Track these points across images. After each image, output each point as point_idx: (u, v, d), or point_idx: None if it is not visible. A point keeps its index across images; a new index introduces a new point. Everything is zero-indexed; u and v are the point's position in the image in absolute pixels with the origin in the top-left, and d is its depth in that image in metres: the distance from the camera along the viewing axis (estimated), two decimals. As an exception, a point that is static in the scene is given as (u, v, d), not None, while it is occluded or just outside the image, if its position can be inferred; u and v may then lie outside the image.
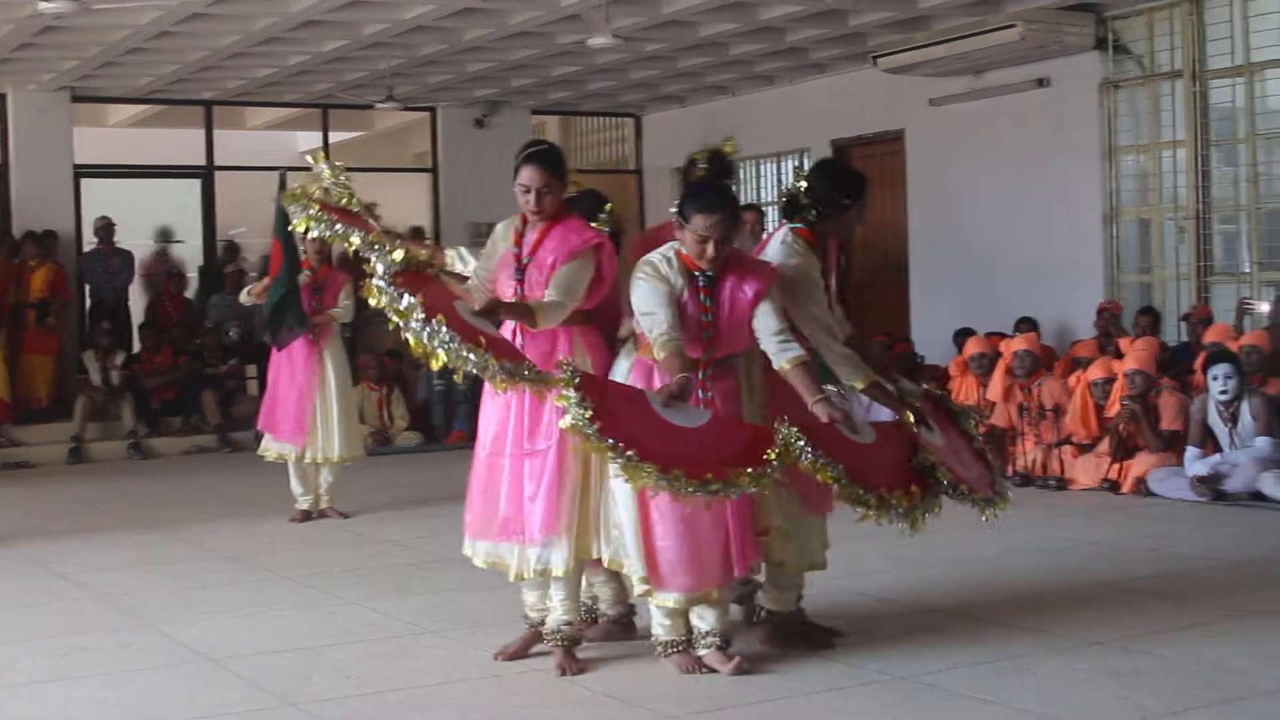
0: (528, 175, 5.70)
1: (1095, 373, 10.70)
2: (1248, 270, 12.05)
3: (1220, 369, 9.78)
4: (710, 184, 5.84)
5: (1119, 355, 11.04)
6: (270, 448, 9.96)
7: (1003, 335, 12.01)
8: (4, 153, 15.62)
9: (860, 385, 5.77)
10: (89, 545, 9.18)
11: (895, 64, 13.49)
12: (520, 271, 5.70)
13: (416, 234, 15.26)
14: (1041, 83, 13.25)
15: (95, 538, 9.51)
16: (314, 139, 17.28)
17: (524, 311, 5.51)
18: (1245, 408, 9.77)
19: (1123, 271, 12.87)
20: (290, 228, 8.73)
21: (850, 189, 5.86)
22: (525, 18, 12.50)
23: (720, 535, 5.46)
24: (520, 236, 5.76)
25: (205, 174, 16.62)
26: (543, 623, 5.80)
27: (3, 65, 14.08)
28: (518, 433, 5.59)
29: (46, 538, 9.52)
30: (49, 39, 12.88)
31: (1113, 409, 10.49)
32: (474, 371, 5.14)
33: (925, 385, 6.35)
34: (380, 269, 5.25)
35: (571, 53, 13.91)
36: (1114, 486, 10.17)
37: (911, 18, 12.89)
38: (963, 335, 12.26)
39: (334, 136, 17.30)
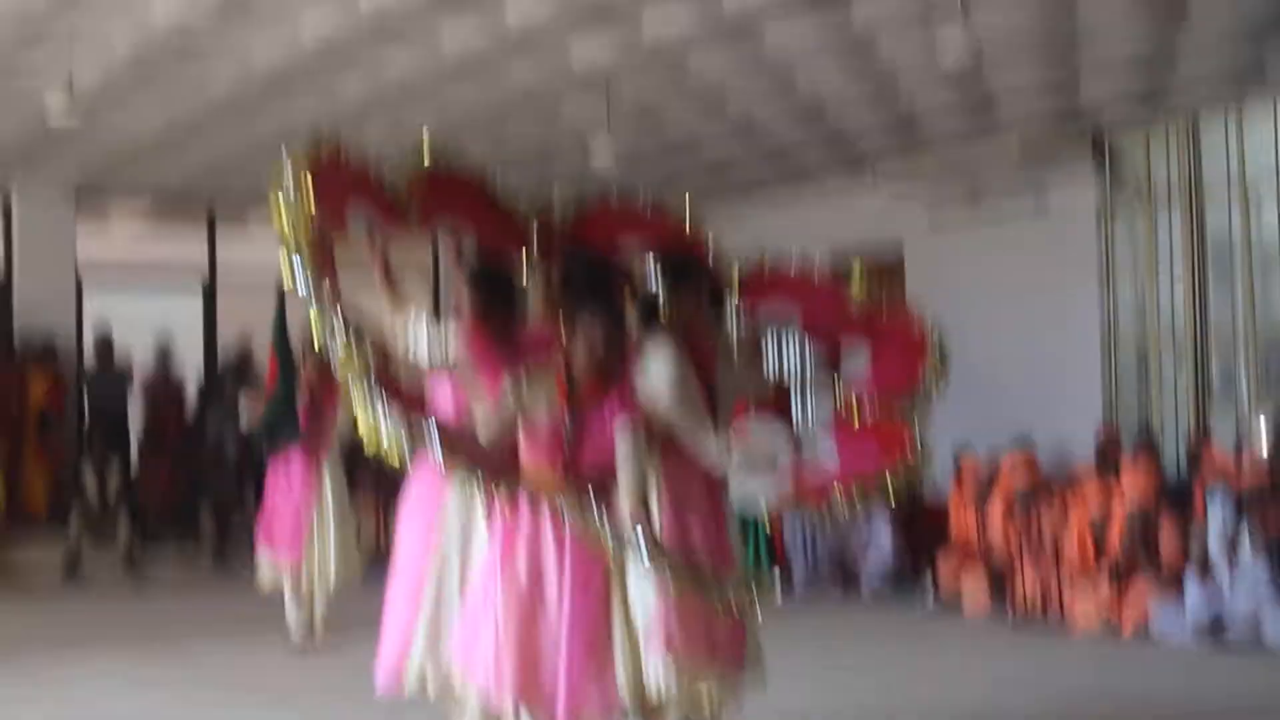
0: None
1: (1093, 503, 10.66)
2: (1246, 399, 12.06)
3: (1220, 500, 9.74)
4: None
5: (1118, 483, 11.00)
6: (266, 572, 9.90)
7: (1001, 458, 11.98)
8: (7, 259, 15.67)
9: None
10: (80, 662, 9.10)
11: (896, 185, 13.61)
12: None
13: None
14: (1039, 206, 13.34)
15: (87, 655, 9.42)
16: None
17: None
18: (1245, 541, 9.73)
19: (1121, 398, 12.88)
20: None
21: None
22: (525, 133, 12.62)
23: None
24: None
25: (208, 290, 16.67)
26: None
27: (8, 167, 14.17)
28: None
29: (37, 654, 9.43)
30: (54, 143, 12.97)
31: (1112, 538, 10.44)
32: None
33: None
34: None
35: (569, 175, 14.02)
36: (1113, 619, 10.09)
37: (912, 142, 13.02)
38: (961, 457, 12.23)
39: (336, 248, 17.39)
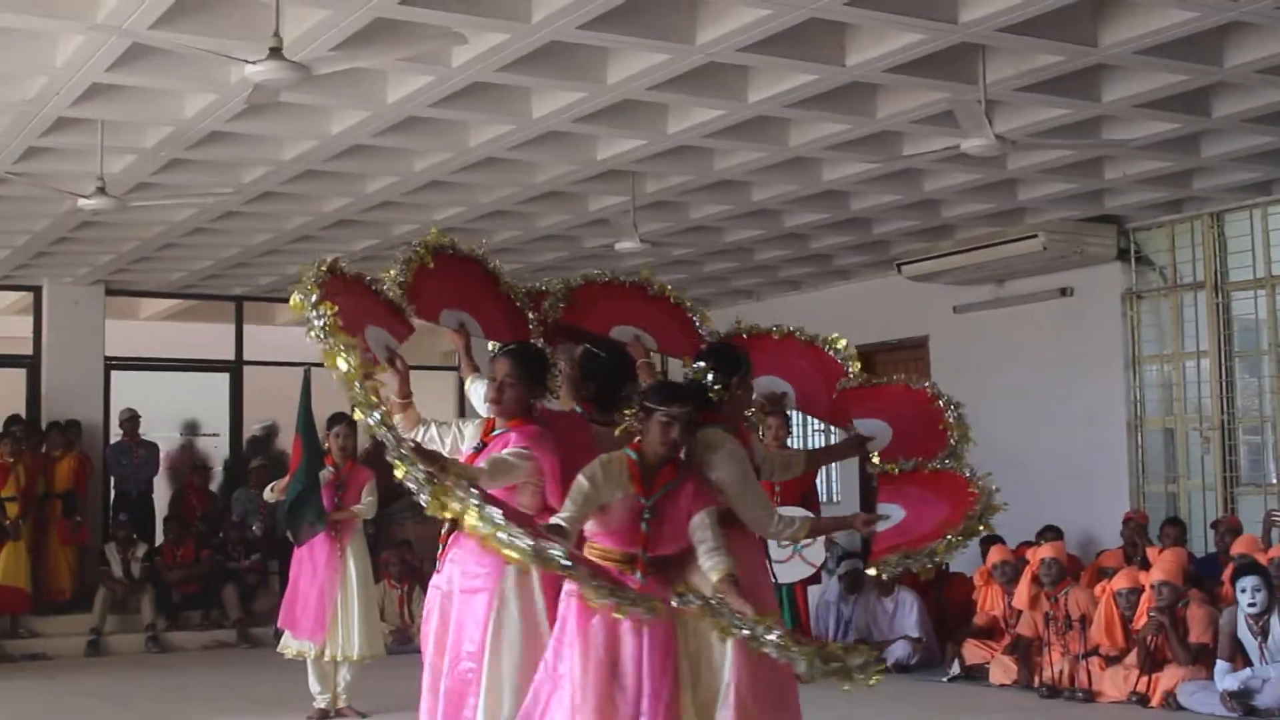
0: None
1: (1121, 583, 10.60)
2: (1274, 482, 12.01)
3: (1249, 581, 9.69)
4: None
5: (1146, 565, 10.95)
6: (290, 645, 9.89)
7: (1029, 544, 11.95)
8: (36, 344, 15.83)
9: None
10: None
11: (919, 272, 13.65)
12: None
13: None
14: (1064, 292, 13.36)
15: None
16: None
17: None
18: (1275, 621, 9.65)
19: (1148, 481, 12.83)
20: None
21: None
22: (553, 221, 12.71)
23: None
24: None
25: (234, 368, 16.80)
26: None
27: (39, 259, 14.33)
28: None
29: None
30: (86, 234, 13.11)
31: (1140, 620, 10.37)
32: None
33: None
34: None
35: (599, 256, 14.09)
36: (1143, 700, 10.01)
37: (934, 227, 13.07)
38: (988, 543, 12.18)
39: (362, 334, 17.45)
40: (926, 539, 5.75)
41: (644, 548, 5.38)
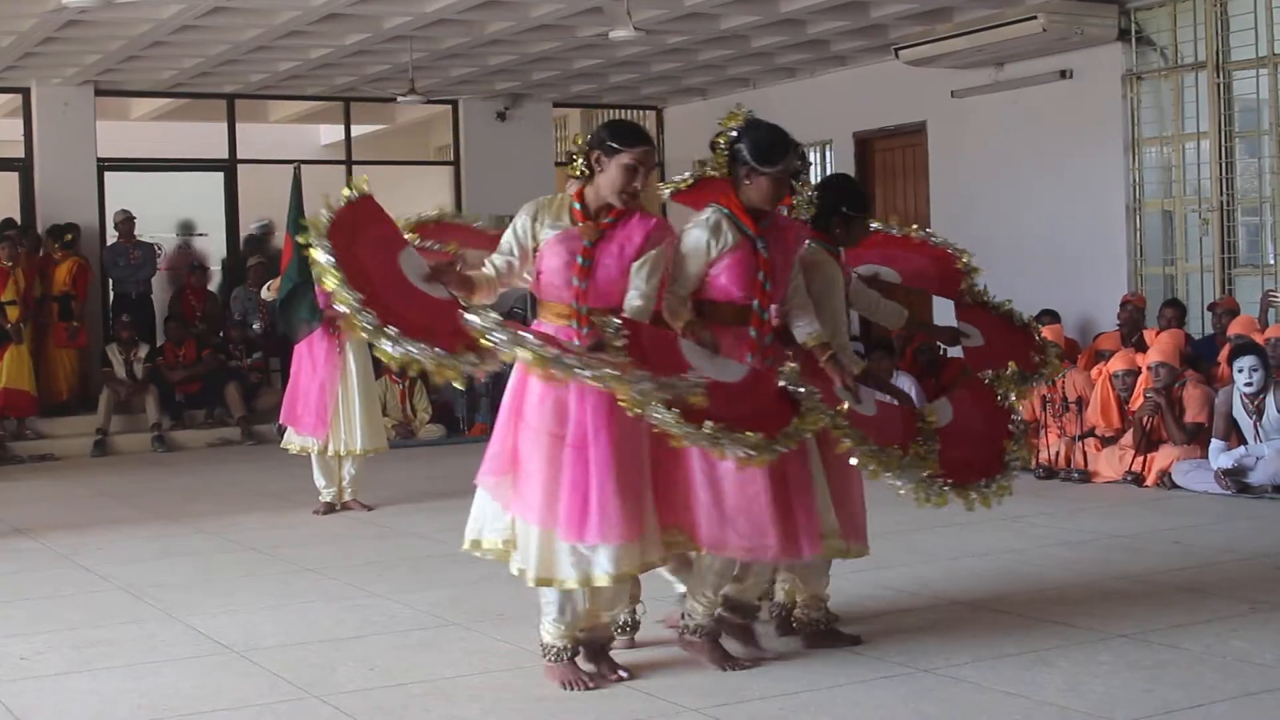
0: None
1: (1118, 365, 10.67)
2: (1272, 262, 12.00)
3: (1245, 361, 9.75)
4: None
5: (1143, 348, 11.00)
6: (293, 441, 9.99)
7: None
8: (28, 147, 15.71)
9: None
10: (113, 537, 9.22)
11: (917, 56, 13.47)
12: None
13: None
14: (1064, 74, 13.21)
15: (120, 530, 9.55)
16: (336, 132, 17.26)
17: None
18: (1270, 400, 9.74)
19: (1146, 263, 12.83)
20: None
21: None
22: (546, 10, 12.50)
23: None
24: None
25: (228, 167, 16.68)
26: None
27: (26, 60, 14.14)
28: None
29: (71, 530, 9.57)
30: (72, 33, 12.92)
31: (1136, 401, 10.46)
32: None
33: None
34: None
35: (593, 45, 13.91)
36: (1138, 479, 10.14)
37: (933, 10, 12.86)
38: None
39: (356, 130, 17.24)
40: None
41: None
